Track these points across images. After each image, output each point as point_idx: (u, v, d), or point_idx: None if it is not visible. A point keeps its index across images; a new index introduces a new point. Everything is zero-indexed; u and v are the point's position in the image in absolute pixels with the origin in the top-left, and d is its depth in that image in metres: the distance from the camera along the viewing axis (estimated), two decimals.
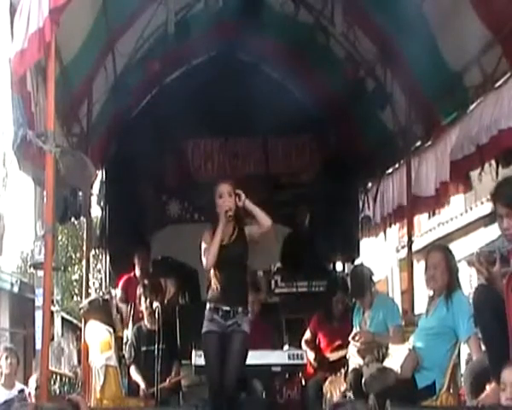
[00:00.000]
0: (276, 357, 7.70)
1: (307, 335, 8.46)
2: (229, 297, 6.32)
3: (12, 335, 17.61)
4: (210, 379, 6.42)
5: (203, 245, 6.41)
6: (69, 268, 29.51)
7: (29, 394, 8.31)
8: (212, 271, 6.40)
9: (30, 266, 23.29)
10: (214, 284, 6.39)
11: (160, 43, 9.29)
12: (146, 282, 8.41)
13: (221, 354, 6.25)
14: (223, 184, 6.50)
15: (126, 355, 8.18)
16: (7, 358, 8.46)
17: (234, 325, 6.30)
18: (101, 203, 11.24)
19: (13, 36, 5.72)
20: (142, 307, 8.23)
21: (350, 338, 7.23)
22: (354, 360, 6.99)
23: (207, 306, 6.41)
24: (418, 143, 9.28)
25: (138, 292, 8.34)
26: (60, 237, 27.93)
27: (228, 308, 6.30)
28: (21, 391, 8.33)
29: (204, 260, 6.37)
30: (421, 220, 16.63)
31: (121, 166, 11.11)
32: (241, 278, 6.47)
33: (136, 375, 8.03)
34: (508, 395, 4.81)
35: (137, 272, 9.60)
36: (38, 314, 9.70)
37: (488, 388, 5.15)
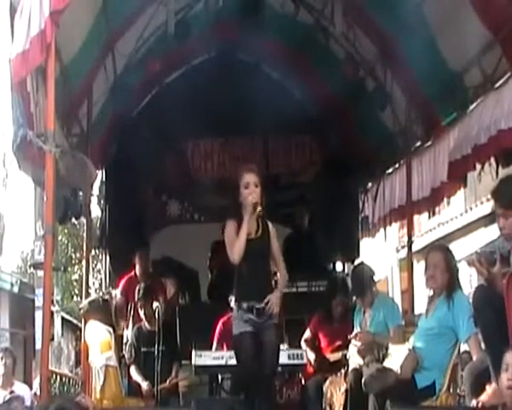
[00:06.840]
0: None
1: (307, 334, 8.45)
2: (260, 293, 6.10)
3: (12, 335, 17.63)
4: (246, 377, 6.14)
5: (228, 239, 6.12)
6: (69, 268, 29.49)
7: (35, 394, 8.31)
8: (237, 266, 6.12)
9: (30, 266, 23.31)
10: (242, 279, 6.14)
11: (160, 43, 9.30)
12: (147, 282, 8.39)
13: (258, 351, 6.03)
14: (249, 173, 6.15)
15: (126, 355, 8.18)
16: (2, 358, 8.43)
17: (267, 320, 6.11)
18: (101, 203, 11.24)
19: (13, 37, 5.72)
20: (143, 308, 8.21)
21: (350, 338, 7.23)
22: (354, 360, 6.98)
23: (236, 305, 6.15)
24: (418, 144, 9.28)
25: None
26: (60, 237, 27.90)
27: (262, 305, 6.07)
28: (12, 392, 8.25)
29: (230, 254, 6.09)
30: (421, 220, 16.62)
31: (121, 166, 11.10)
32: (268, 272, 6.25)
33: (136, 375, 8.02)
34: (509, 375, 4.77)
35: (138, 271, 9.59)
36: (38, 314, 9.73)
37: (488, 388, 5.16)
